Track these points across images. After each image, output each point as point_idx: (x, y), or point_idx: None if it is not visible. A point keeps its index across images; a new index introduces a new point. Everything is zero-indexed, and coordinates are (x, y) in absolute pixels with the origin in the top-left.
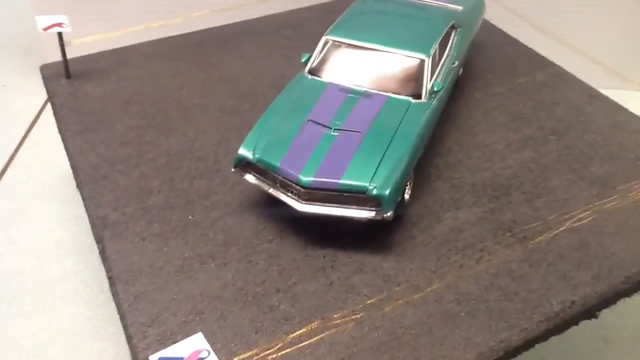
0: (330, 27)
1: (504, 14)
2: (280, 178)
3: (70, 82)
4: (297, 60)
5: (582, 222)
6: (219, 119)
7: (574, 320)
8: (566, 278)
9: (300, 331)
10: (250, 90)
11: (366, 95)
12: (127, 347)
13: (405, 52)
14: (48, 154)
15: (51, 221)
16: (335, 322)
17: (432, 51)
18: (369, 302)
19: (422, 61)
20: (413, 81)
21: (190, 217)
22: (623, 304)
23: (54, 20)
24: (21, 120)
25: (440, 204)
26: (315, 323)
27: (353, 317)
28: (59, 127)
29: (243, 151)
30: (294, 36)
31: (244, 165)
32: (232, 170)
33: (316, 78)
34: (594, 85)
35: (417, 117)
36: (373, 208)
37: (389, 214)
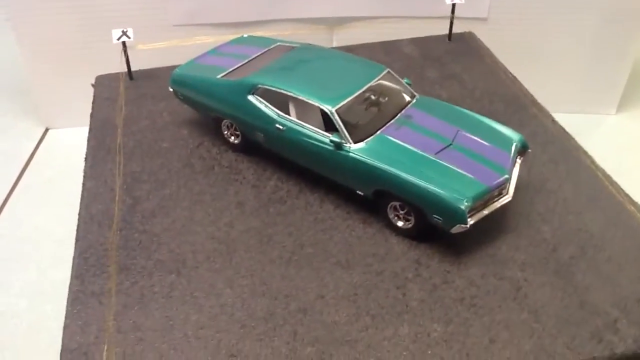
0: (316, 100)
1: None
2: (492, 192)
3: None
4: None
5: None
6: None
7: None
8: None
9: None
10: None
11: (407, 117)
12: None
13: (376, 77)
14: (41, 197)
15: (44, 263)
16: None
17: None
18: None
19: (389, 72)
20: (400, 89)
21: None
22: None
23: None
24: (13, 163)
25: None
26: None
27: None
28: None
29: (464, 206)
30: None
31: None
32: (466, 227)
33: (369, 140)
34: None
35: (439, 102)
36: (520, 156)
37: (530, 149)
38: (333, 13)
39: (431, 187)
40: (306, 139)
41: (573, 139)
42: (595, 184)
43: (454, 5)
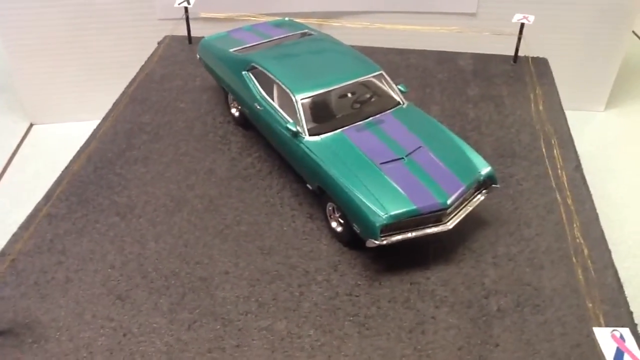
0: (289, 86)
1: None
2: (423, 217)
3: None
4: None
5: None
6: None
7: None
8: None
9: None
10: None
11: (378, 122)
12: None
13: (360, 77)
14: (25, 193)
15: None
16: None
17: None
18: None
19: (381, 74)
20: (389, 93)
21: None
22: None
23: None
24: None
25: None
26: None
27: None
28: None
29: (377, 221)
30: None
31: (382, 232)
32: (376, 243)
33: (326, 135)
34: None
35: (422, 114)
36: (485, 189)
37: (498, 184)
38: (323, 7)
39: (355, 194)
40: (274, 122)
41: (587, 190)
42: (575, 245)
43: (522, 25)
